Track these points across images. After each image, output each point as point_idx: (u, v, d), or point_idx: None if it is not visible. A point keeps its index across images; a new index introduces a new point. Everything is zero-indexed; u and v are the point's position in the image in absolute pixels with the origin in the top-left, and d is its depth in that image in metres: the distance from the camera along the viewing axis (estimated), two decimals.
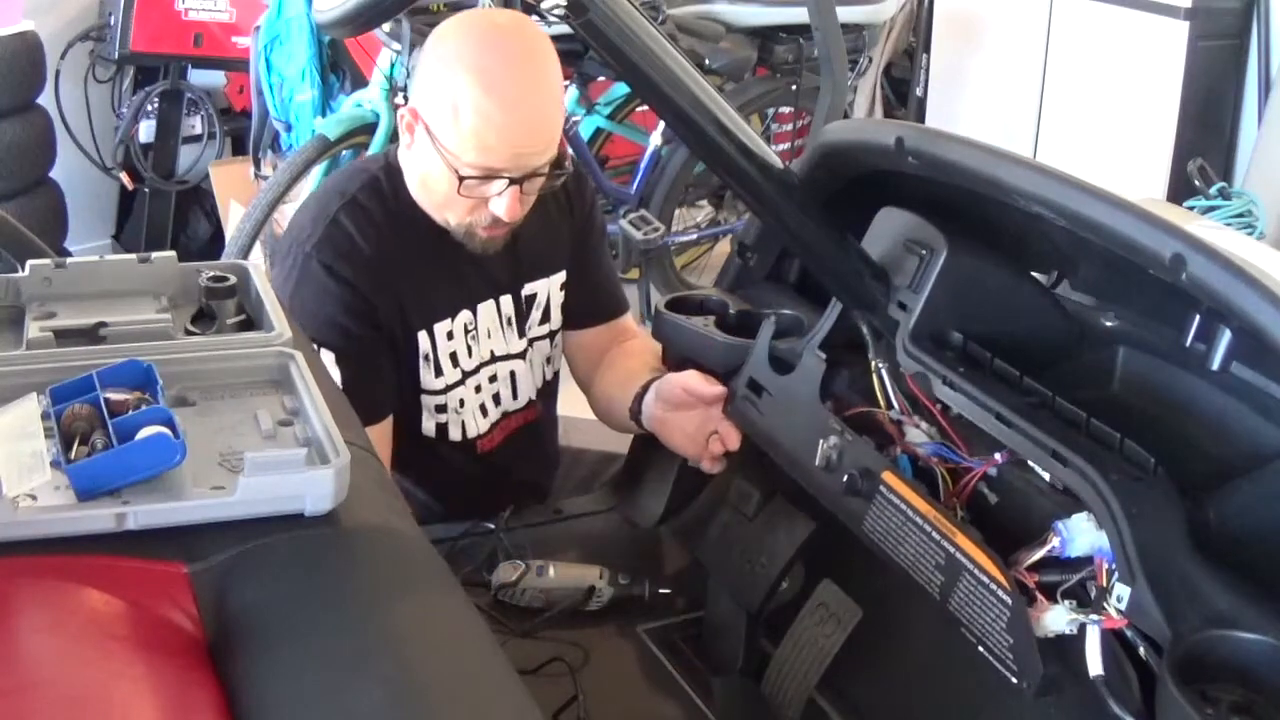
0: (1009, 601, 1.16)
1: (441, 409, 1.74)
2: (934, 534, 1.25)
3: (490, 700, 0.83)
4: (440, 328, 1.72)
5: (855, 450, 1.38)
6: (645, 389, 1.71)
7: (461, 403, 1.76)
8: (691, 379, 1.63)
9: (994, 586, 1.18)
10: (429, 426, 1.75)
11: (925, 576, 1.27)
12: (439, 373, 1.72)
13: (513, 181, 1.59)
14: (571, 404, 1.98)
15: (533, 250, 1.79)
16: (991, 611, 1.19)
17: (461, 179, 1.58)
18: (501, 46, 1.59)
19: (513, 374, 1.82)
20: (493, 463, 1.81)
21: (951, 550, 1.23)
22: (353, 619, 0.86)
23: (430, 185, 1.65)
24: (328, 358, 1.60)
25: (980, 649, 1.20)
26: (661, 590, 1.67)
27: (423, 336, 1.70)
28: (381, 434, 1.67)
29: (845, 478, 1.37)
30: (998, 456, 1.28)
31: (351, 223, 1.65)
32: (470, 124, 1.56)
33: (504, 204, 1.60)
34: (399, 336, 1.69)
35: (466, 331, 1.75)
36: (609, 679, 1.56)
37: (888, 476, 1.32)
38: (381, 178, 1.70)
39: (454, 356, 1.74)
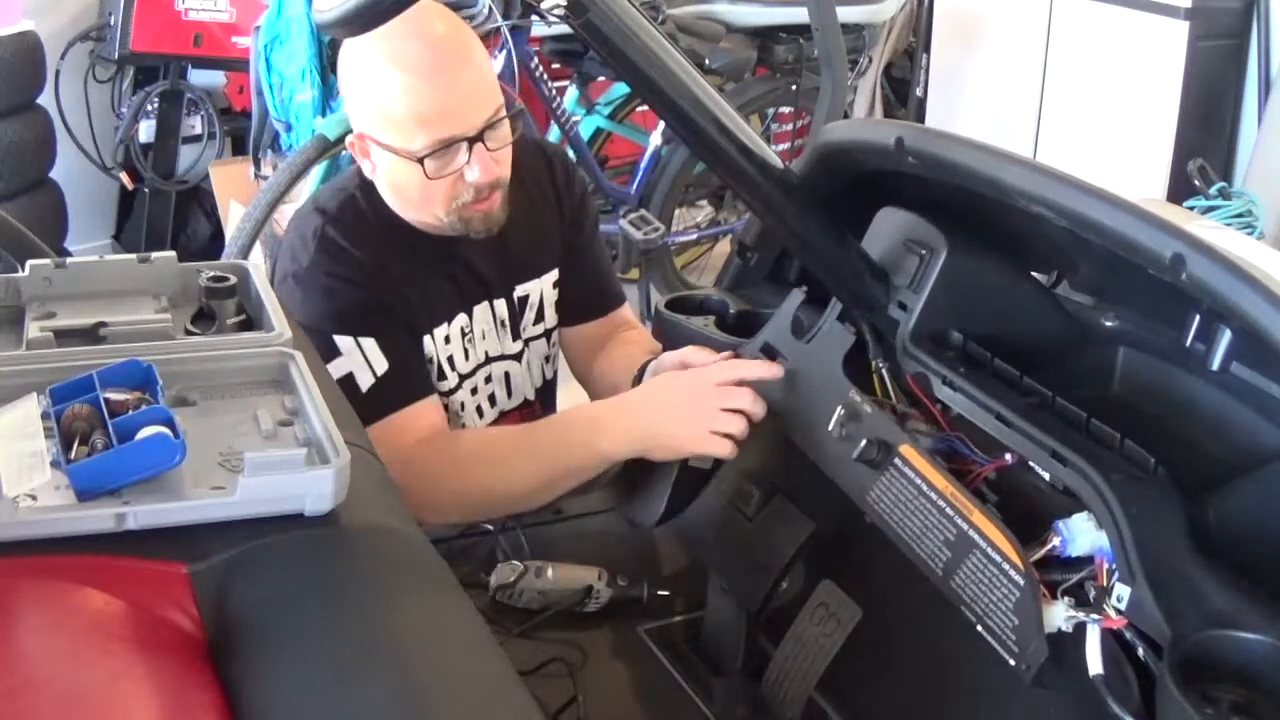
0: (1020, 582, 1.16)
1: (446, 409, 1.74)
2: (947, 509, 1.25)
3: (490, 700, 0.83)
4: (439, 333, 1.71)
5: (874, 420, 1.38)
6: (642, 370, 1.70)
7: (463, 406, 1.76)
8: (690, 353, 1.61)
9: (1006, 566, 1.18)
10: None
11: (929, 552, 1.26)
12: (442, 376, 1.72)
13: (471, 141, 1.58)
14: (572, 404, 1.98)
15: (522, 251, 1.79)
16: (999, 591, 1.18)
17: (421, 161, 1.57)
18: (395, 28, 1.58)
19: (507, 375, 1.81)
20: None
21: (965, 527, 1.22)
22: (353, 619, 0.86)
23: (403, 191, 1.64)
24: (371, 345, 1.61)
25: (980, 628, 1.20)
26: (660, 592, 1.67)
27: (427, 340, 1.70)
28: (436, 406, 1.67)
29: (863, 443, 1.36)
30: (1008, 457, 1.29)
31: (340, 235, 1.64)
32: (401, 107, 1.56)
33: (476, 168, 1.59)
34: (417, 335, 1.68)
35: (464, 335, 1.74)
36: (609, 679, 1.56)
37: (905, 450, 1.32)
38: (358, 195, 1.69)
39: (451, 360, 1.73)
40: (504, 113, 1.62)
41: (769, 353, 1.56)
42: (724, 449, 1.51)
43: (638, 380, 1.72)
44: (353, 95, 1.63)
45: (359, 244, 1.64)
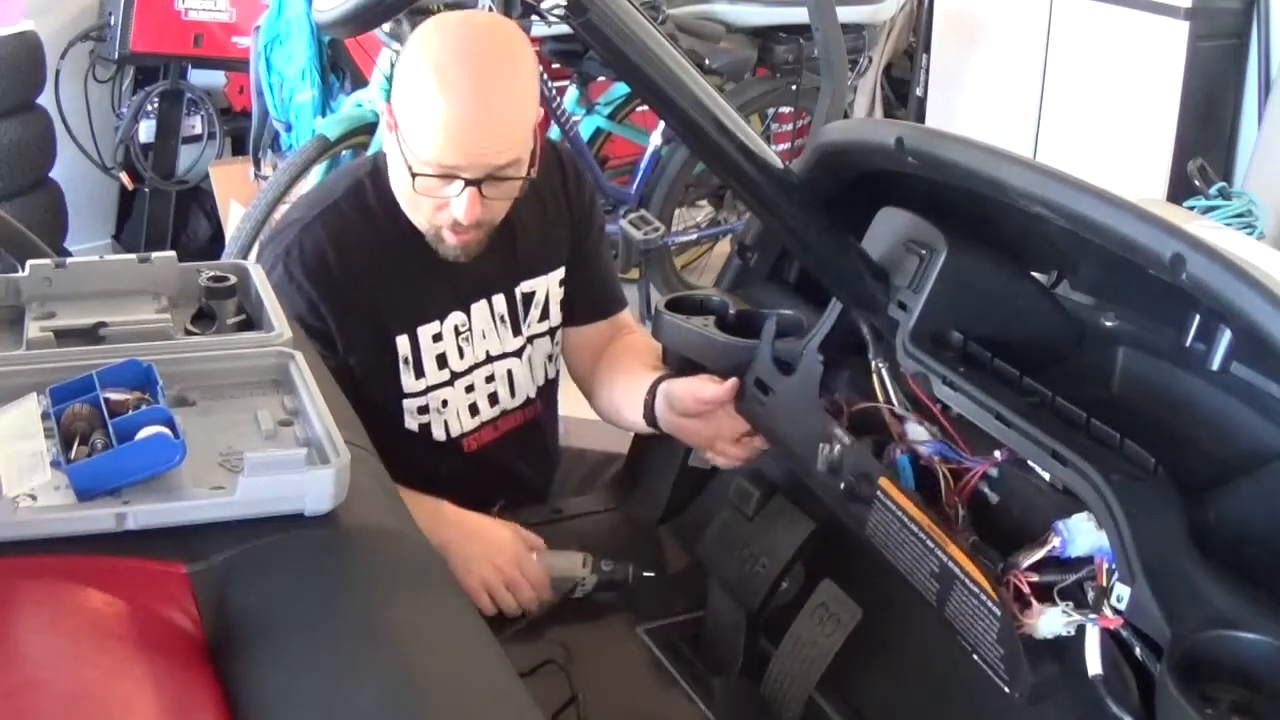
0: (998, 612, 1.17)
1: (423, 410, 1.74)
2: (928, 541, 1.26)
3: (490, 700, 0.83)
4: (425, 330, 1.71)
5: (854, 455, 1.38)
6: (653, 393, 1.71)
7: (445, 403, 1.75)
8: (701, 388, 1.63)
9: (984, 597, 1.18)
10: (411, 425, 1.75)
11: (922, 583, 1.27)
12: (420, 375, 1.72)
13: (469, 183, 1.57)
14: (573, 404, 1.98)
15: (530, 248, 1.79)
16: (983, 621, 1.19)
17: (415, 176, 1.57)
18: (465, 47, 1.58)
19: (510, 373, 1.81)
20: (484, 461, 1.81)
21: (944, 559, 1.23)
22: (352, 619, 0.86)
23: (398, 183, 1.66)
24: None
25: (975, 657, 1.21)
26: (645, 574, 1.66)
27: (402, 341, 1.69)
28: None
29: (842, 485, 1.38)
30: (997, 455, 1.29)
31: (326, 230, 1.65)
32: (424, 121, 1.56)
33: (462, 205, 1.58)
34: (369, 344, 1.68)
35: (458, 333, 1.74)
36: (609, 679, 1.56)
37: (884, 483, 1.32)
38: (367, 182, 1.70)
39: (441, 358, 1.73)
40: (520, 171, 1.61)
41: (761, 387, 1.57)
42: (484, 605, 1.62)
43: (649, 407, 1.72)
44: (400, 75, 1.62)
45: (343, 239, 1.65)
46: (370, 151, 3.08)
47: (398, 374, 1.71)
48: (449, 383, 1.75)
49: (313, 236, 1.64)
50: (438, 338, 1.72)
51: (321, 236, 1.65)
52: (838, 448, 1.40)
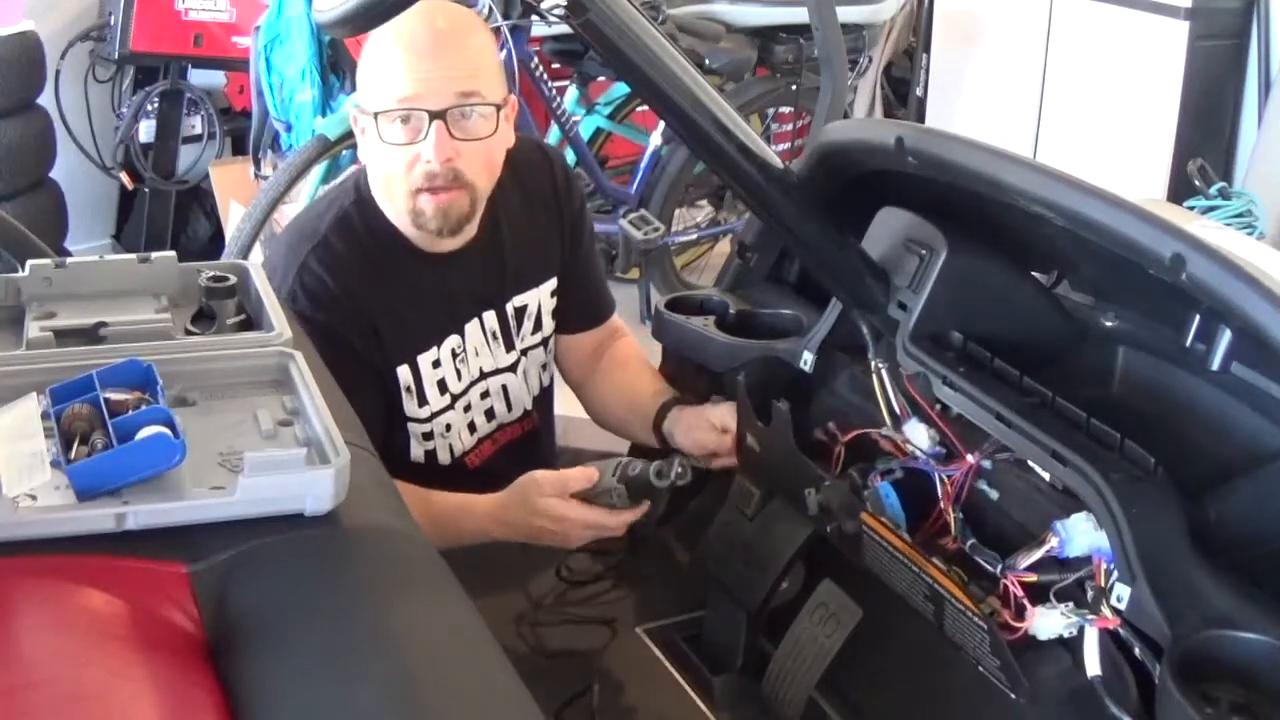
0: (984, 627, 1.18)
1: (428, 436, 1.72)
2: (913, 567, 1.27)
3: (489, 700, 0.83)
4: (425, 358, 1.69)
5: (836, 493, 1.41)
6: (661, 417, 1.73)
7: (448, 427, 1.74)
8: (705, 439, 1.65)
9: (971, 614, 1.19)
10: (418, 454, 1.73)
11: (919, 605, 1.29)
12: (423, 402, 1.70)
13: (433, 116, 1.55)
14: (571, 405, 1.98)
15: (521, 262, 1.77)
16: (976, 636, 1.20)
17: (376, 117, 1.56)
18: (416, 7, 1.58)
19: (504, 388, 1.79)
20: (486, 475, 1.79)
21: (930, 581, 1.25)
22: (352, 619, 0.86)
23: (373, 164, 1.63)
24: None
25: (980, 668, 1.22)
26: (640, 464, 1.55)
27: (403, 370, 1.67)
28: None
29: (829, 528, 1.41)
30: (970, 459, 1.30)
31: (322, 266, 1.62)
32: (378, 70, 1.57)
33: (430, 142, 1.55)
34: (381, 370, 1.66)
35: (455, 356, 1.72)
36: (609, 678, 1.56)
37: (865, 517, 1.34)
38: (353, 212, 1.67)
39: (442, 384, 1.71)
40: (481, 100, 1.57)
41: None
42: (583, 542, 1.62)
43: (657, 426, 1.73)
44: (359, 73, 1.64)
45: (340, 274, 1.62)
46: None
47: (400, 403, 1.69)
48: (450, 406, 1.73)
49: (311, 273, 1.62)
50: (436, 364, 1.70)
51: (320, 271, 1.62)
52: (822, 489, 1.42)
